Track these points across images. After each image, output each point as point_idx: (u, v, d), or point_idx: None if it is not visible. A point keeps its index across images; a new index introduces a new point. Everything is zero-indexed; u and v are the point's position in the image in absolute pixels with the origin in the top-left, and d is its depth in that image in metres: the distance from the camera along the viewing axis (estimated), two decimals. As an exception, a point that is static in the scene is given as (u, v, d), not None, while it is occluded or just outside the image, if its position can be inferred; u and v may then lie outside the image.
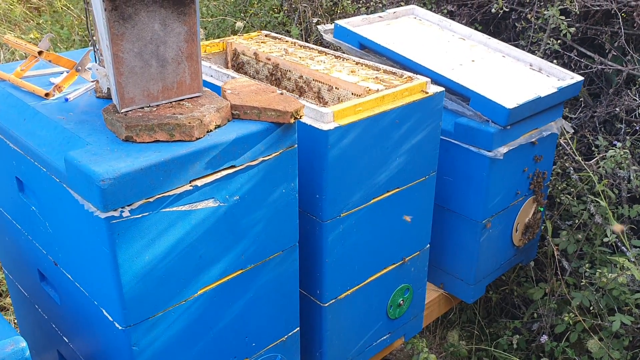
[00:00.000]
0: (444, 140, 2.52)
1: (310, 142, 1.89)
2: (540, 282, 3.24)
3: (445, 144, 2.53)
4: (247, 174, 1.63)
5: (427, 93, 2.11)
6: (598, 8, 3.29)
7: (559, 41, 3.20)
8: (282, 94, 1.72)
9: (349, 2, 3.82)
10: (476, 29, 3.79)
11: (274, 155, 1.67)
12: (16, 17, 5.54)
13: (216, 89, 2.09)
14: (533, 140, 2.58)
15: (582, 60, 3.34)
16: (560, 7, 3.08)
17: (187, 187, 1.51)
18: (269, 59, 2.42)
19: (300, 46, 2.53)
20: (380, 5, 3.78)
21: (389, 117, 2.00)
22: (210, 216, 1.59)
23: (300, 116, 1.65)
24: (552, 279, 3.15)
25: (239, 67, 2.57)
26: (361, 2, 3.91)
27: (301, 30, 4.49)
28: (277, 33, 4.66)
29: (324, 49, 2.47)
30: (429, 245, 2.42)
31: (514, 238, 2.82)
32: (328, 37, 2.95)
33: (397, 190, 2.16)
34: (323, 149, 1.86)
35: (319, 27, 2.96)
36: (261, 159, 1.64)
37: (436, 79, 2.54)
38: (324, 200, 1.93)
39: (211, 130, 1.57)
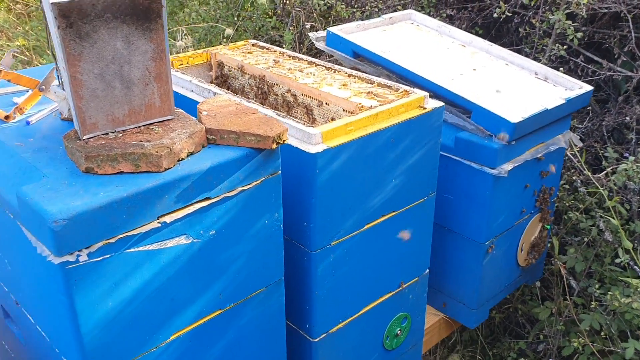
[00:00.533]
0: (443, 156, 2.35)
1: (296, 166, 1.72)
2: (547, 300, 3.08)
3: (445, 160, 2.36)
4: (224, 205, 1.46)
5: (425, 109, 1.94)
6: (606, 10, 3.12)
7: (564, 46, 3.03)
8: (264, 115, 1.55)
9: (343, 6, 3.65)
10: (477, 33, 3.63)
11: (254, 183, 1.51)
12: (2, 24, 5.38)
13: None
14: (539, 155, 2.41)
15: (589, 66, 3.17)
16: (567, 10, 2.91)
17: (155, 224, 1.34)
18: (255, 72, 2.25)
19: (290, 57, 2.37)
20: (377, 9, 3.62)
21: (383, 136, 1.83)
22: (182, 254, 1.42)
23: (284, 141, 1.49)
24: (559, 299, 2.98)
25: (224, 80, 2.40)
26: (356, 6, 3.75)
27: (295, 35, 4.33)
28: (271, 38, 4.50)
29: (314, 59, 2.30)
30: (428, 270, 2.25)
31: (519, 258, 2.65)
32: (320, 45, 2.79)
33: (394, 213, 1.99)
34: (311, 174, 1.70)
35: (310, 34, 2.79)
36: (240, 188, 1.48)
37: (435, 90, 2.37)
38: (313, 229, 1.77)
39: (183, 159, 1.40)
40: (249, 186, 1.50)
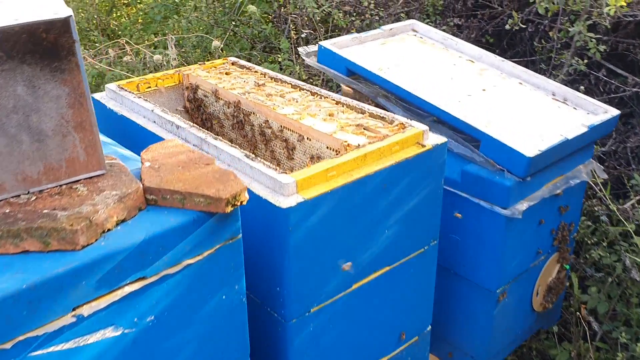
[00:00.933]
0: (448, 191, 2.05)
1: (266, 220, 1.43)
2: (564, 341, 2.76)
3: (451, 195, 2.06)
4: (166, 284, 1.17)
5: (424, 146, 1.64)
6: (631, 19, 2.79)
7: (585, 61, 2.71)
8: (219, 168, 1.26)
9: (341, 15, 3.34)
10: (487, 42, 3.31)
11: (206, 254, 1.21)
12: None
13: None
14: (558, 191, 2.09)
15: (612, 81, 2.84)
16: (588, 21, 2.59)
17: (68, 319, 1.05)
18: (229, 97, 1.95)
19: (272, 78, 2.07)
20: (377, 17, 3.31)
21: (373, 182, 1.53)
22: (111, 349, 1.13)
23: (241, 202, 1.19)
24: (579, 342, 2.66)
25: (198, 105, 2.11)
26: (355, 14, 3.44)
27: (292, 43, 4.03)
28: (269, 45, 4.20)
29: (298, 82, 2.00)
30: (430, 327, 1.95)
31: (534, 303, 2.34)
32: (311, 62, 2.49)
33: (388, 268, 1.69)
34: (282, 231, 1.40)
35: (300, 49, 2.49)
36: (186, 262, 1.18)
37: (439, 115, 2.07)
38: (287, 295, 1.47)
39: (109, 230, 1.11)
40: (198, 257, 1.20)
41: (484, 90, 2.29)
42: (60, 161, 1.14)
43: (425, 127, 1.67)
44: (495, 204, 1.96)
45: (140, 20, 5.48)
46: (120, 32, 5.43)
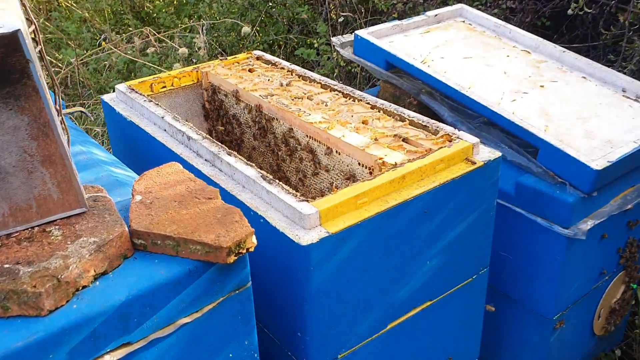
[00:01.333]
0: (501, 204, 1.79)
1: (284, 256, 1.21)
2: (627, 362, 2.48)
3: (504, 210, 1.80)
4: (156, 349, 0.96)
5: (475, 163, 1.39)
6: None
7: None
8: (223, 204, 1.04)
9: (381, -3, 3.06)
10: (543, 25, 2.99)
11: (206, 309, 1.00)
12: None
13: (171, 157, 1.45)
14: (629, 206, 1.81)
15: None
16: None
17: (30, 403, 0.85)
18: (251, 100, 1.73)
19: (299, 76, 1.84)
20: (421, 0, 3.02)
21: (413, 208, 1.30)
22: None
23: (247, 249, 0.97)
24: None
25: (218, 107, 1.89)
26: (397, -4, 3.15)
27: (330, 26, 3.78)
28: (306, 28, 3.95)
29: (329, 81, 1.76)
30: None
31: (595, 327, 2.07)
32: (346, 53, 2.24)
33: (429, 303, 1.46)
34: (302, 271, 1.18)
35: (333, 39, 2.25)
36: (181, 321, 0.98)
37: (490, 117, 1.81)
38: (309, 342, 1.26)
39: (85, 287, 0.91)
40: (196, 315, 0.99)
41: (542, 86, 2.01)
42: (29, 200, 0.94)
43: (475, 140, 1.42)
44: (555, 222, 1.70)
45: (175, 3, 5.30)
46: (155, 15, 5.26)
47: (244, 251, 0.96)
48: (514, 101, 1.92)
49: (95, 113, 3.59)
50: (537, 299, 1.85)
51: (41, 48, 0.89)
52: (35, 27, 0.86)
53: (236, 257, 0.95)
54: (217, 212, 1.01)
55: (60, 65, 4.33)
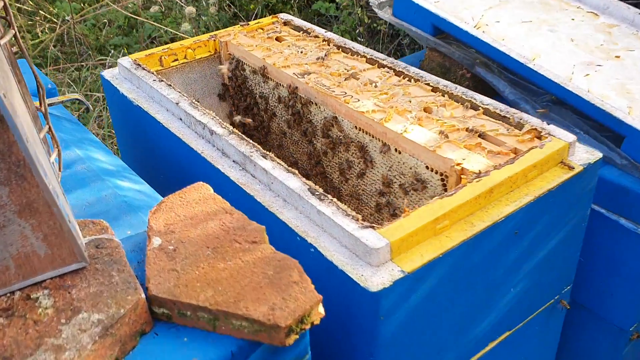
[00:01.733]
0: (575, 200, 1.51)
1: (345, 300, 0.94)
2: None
3: (577, 206, 1.52)
4: None
5: (572, 168, 1.10)
6: None
7: None
8: (275, 253, 0.76)
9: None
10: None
11: (254, 397, 0.74)
12: None
13: (189, 154, 1.18)
14: None
15: None
16: None
17: None
18: (283, 79, 1.43)
19: (338, 47, 1.53)
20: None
21: (502, 230, 1.02)
22: None
23: (312, 324, 0.70)
24: None
25: (240, 85, 1.59)
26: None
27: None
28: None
29: (376, 54, 1.46)
30: (551, 388, 1.47)
31: (672, 332, 1.82)
32: (384, 15, 1.93)
33: (507, 334, 1.20)
34: (370, 321, 0.91)
35: (370, -1, 1.93)
36: (222, 419, 0.71)
37: (562, 95, 1.52)
38: (373, 401, 1.00)
39: (88, 389, 0.64)
40: (241, 407, 0.73)
41: (617, 57, 1.70)
42: (5, 260, 0.66)
43: (572, 138, 1.12)
44: (645, 225, 1.43)
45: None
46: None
47: (308, 326, 0.69)
48: (587, 76, 1.61)
49: (94, 80, 3.27)
50: (611, 308, 1.59)
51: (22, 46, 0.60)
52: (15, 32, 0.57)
53: (296, 337, 0.68)
54: (266, 266, 0.73)
55: (55, 20, 3.99)
